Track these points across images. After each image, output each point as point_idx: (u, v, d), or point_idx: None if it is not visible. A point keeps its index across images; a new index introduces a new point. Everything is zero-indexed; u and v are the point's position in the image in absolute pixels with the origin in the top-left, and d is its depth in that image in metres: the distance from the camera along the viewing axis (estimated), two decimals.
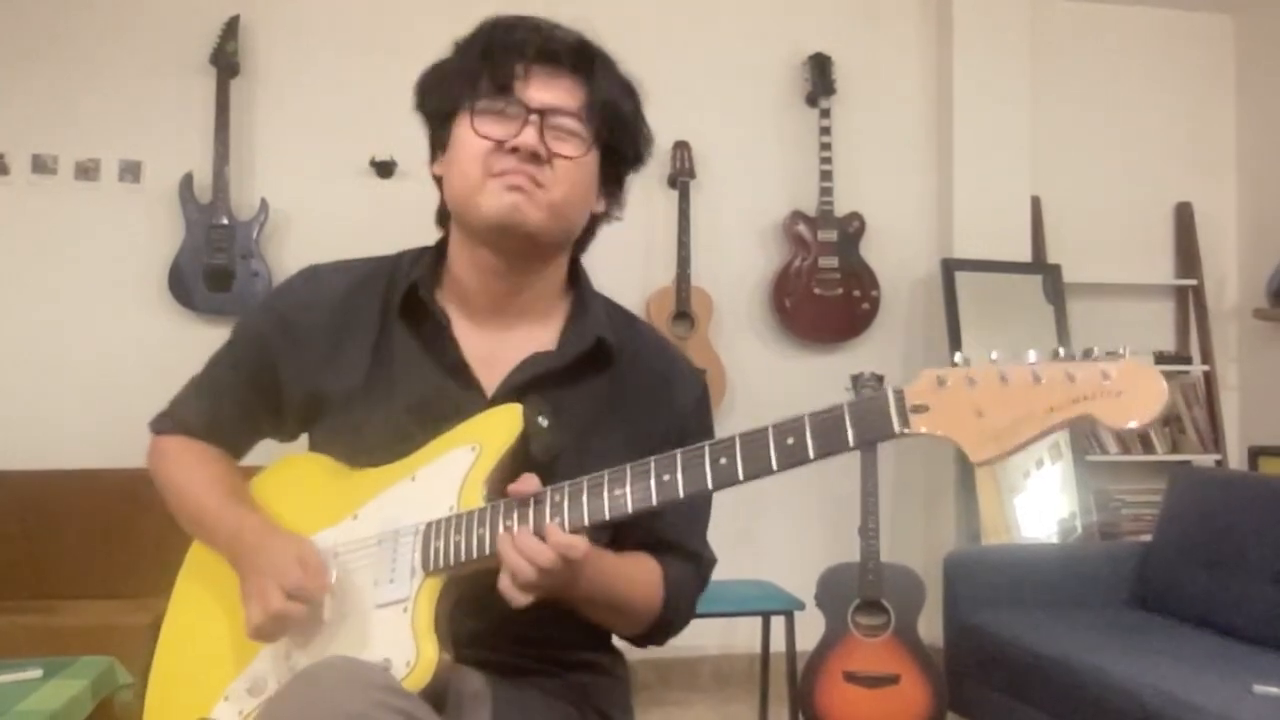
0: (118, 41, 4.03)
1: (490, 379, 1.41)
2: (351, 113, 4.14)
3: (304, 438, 1.54)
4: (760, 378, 4.32)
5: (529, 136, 1.34)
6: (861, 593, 3.48)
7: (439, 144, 1.46)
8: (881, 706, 3.40)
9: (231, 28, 4.00)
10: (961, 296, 4.26)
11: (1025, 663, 3.13)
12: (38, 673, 2.28)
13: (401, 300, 1.44)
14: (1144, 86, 4.82)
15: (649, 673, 4.13)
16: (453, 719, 1.22)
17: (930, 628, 3.62)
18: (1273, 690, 2.56)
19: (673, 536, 1.46)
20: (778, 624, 3.53)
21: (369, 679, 1.13)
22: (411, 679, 1.20)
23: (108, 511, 3.58)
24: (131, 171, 4.02)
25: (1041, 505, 4.17)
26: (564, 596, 1.31)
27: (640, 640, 1.49)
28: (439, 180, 1.48)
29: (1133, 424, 1.06)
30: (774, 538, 4.28)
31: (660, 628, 1.46)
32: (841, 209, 4.37)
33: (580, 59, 1.39)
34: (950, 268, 4.32)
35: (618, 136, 1.43)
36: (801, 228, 4.37)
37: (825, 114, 4.36)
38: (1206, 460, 4.60)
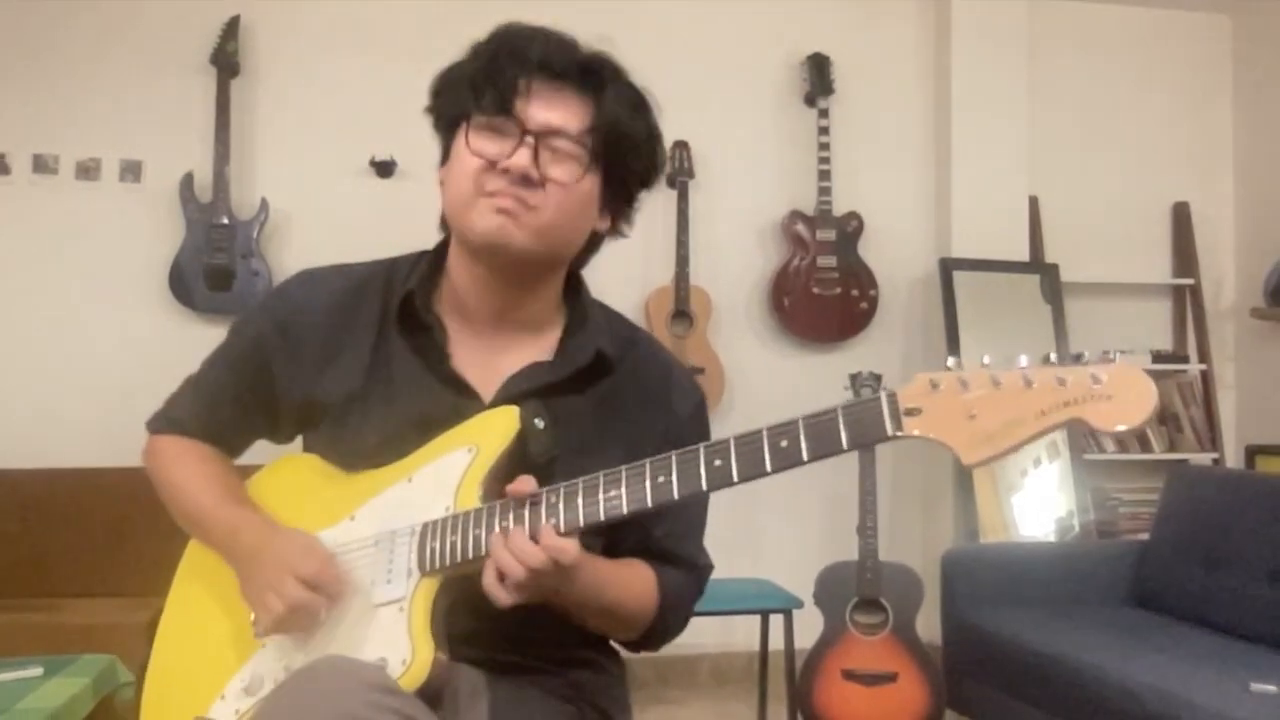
0: (118, 42, 4.04)
1: (487, 388, 1.41)
2: (351, 113, 4.15)
3: (300, 438, 1.55)
4: (759, 377, 4.33)
5: (521, 158, 1.32)
6: (860, 591, 3.49)
7: (447, 150, 1.44)
8: (880, 704, 3.40)
9: (232, 28, 4.01)
10: (959, 296, 4.27)
11: (1023, 661, 3.12)
12: (38, 671, 2.28)
13: (398, 309, 1.44)
14: (1141, 86, 4.83)
15: (648, 671, 4.13)
16: (449, 717, 1.22)
17: (928, 626, 3.62)
18: (1270, 688, 2.56)
19: (669, 545, 1.47)
20: (776, 622, 3.53)
21: (365, 678, 1.14)
22: (407, 678, 1.21)
23: (108, 510, 3.58)
24: (132, 171, 4.03)
25: (1039, 504, 4.17)
26: (556, 601, 1.31)
27: (635, 646, 1.50)
28: (443, 184, 1.46)
29: (1122, 427, 1.07)
30: (773, 537, 4.29)
31: (655, 634, 1.47)
32: (840, 208, 4.38)
33: (589, 76, 1.37)
34: (948, 267, 4.33)
35: (624, 156, 1.40)
36: (800, 227, 4.37)
37: (824, 114, 4.37)
38: (1204, 459, 4.60)
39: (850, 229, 4.39)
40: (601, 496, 1.24)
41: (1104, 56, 4.80)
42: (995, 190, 4.47)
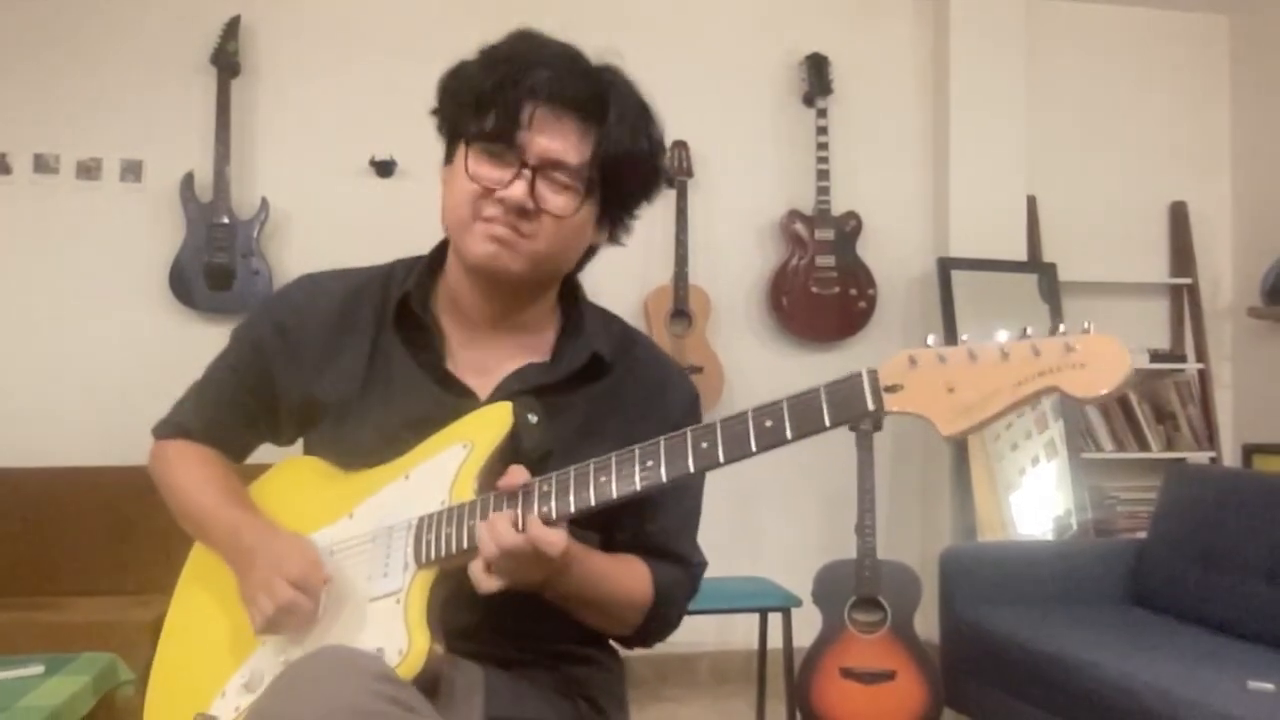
0: (119, 42, 4.05)
1: (483, 389, 1.43)
2: (351, 113, 4.16)
3: (301, 442, 1.56)
4: (757, 376, 4.33)
5: (517, 190, 1.32)
6: (858, 589, 3.49)
7: (450, 152, 1.44)
8: (878, 702, 3.40)
9: (232, 28, 4.02)
10: (958, 295, 4.28)
11: (1021, 659, 3.13)
12: (40, 669, 2.30)
13: (395, 312, 1.45)
14: (1139, 86, 4.83)
15: (646, 669, 4.14)
16: (445, 709, 1.23)
17: (926, 624, 3.63)
18: (1267, 686, 2.57)
19: (662, 541, 1.47)
20: (775, 620, 3.54)
21: (362, 667, 1.14)
22: (404, 668, 1.22)
23: (109, 509, 3.60)
24: (133, 171, 4.04)
25: (1037, 502, 4.17)
26: (550, 593, 1.33)
27: (629, 642, 1.50)
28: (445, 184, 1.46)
29: (1102, 391, 1.08)
30: (771, 535, 4.30)
31: (649, 630, 1.47)
32: (838, 208, 4.38)
33: (594, 102, 1.35)
34: (946, 266, 4.34)
35: (625, 179, 1.40)
36: (799, 227, 4.38)
37: (822, 114, 4.37)
38: (1201, 458, 4.61)
39: (849, 228, 4.40)
40: (592, 483, 1.25)
41: (1102, 56, 4.81)
42: (993, 190, 4.48)
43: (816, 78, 4.40)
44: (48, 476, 3.71)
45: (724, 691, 4.18)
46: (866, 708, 3.40)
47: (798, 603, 3.53)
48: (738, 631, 4.17)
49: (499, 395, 1.41)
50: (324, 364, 1.47)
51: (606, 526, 1.41)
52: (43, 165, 3.98)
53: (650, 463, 1.24)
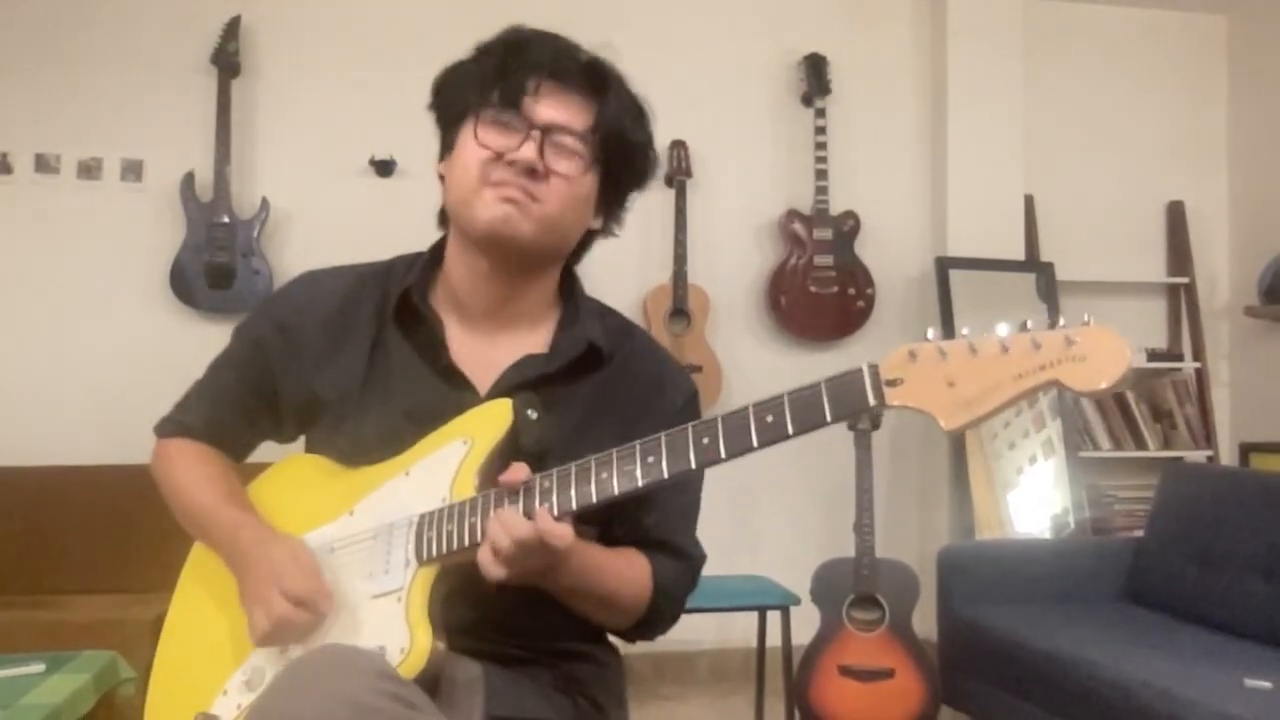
0: (120, 42, 4.06)
1: (483, 381, 1.43)
2: (351, 113, 4.17)
3: (302, 439, 1.57)
4: (756, 375, 4.34)
5: (528, 151, 1.36)
6: (856, 588, 3.49)
7: (447, 144, 1.47)
8: (876, 700, 3.40)
9: (232, 28, 4.02)
10: (955, 294, 4.28)
11: (1018, 657, 3.14)
12: (40, 667, 2.29)
13: (396, 306, 1.46)
14: (1136, 86, 4.84)
15: (646, 666, 4.15)
16: (446, 706, 1.23)
17: (924, 622, 3.63)
18: (1263, 684, 2.57)
19: (661, 534, 1.48)
20: (773, 619, 3.55)
21: (363, 665, 1.15)
22: (405, 665, 1.22)
23: (111, 507, 3.60)
24: (133, 170, 4.05)
25: (1035, 501, 4.18)
26: (550, 587, 1.34)
27: (628, 635, 1.51)
28: (443, 179, 1.49)
29: (1103, 384, 1.08)
30: (770, 534, 4.30)
31: (648, 623, 1.48)
32: (837, 207, 4.39)
33: (594, 80, 1.41)
34: (944, 266, 4.35)
35: (622, 159, 1.45)
36: (797, 226, 4.39)
37: (820, 114, 4.38)
38: (1198, 456, 4.62)
39: (847, 228, 4.41)
40: (593, 479, 1.26)
41: (1099, 56, 4.81)
42: (991, 189, 4.49)
43: (815, 78, 4.40)
44: (49, 475, 3.72)
45: (723, 689, 4.18)
46: (865, 705, 3.41)
47: (796, 601, 3.53)
48: (736, 629, 4.17)
49: (499, 388, 1.42)
50: (325, 361, 1.48)
51: (605, 520, 1.42)
52: (44, 165, 3.99)
53: (652, 459, 1.24)
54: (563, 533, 1.24)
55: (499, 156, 1.37)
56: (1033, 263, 4.53)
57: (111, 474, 3.58)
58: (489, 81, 1.39)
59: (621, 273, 4.15)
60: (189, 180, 3.98)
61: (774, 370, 4.37)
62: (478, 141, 1.38)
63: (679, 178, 4.27)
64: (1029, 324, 1.13)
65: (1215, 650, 2.96)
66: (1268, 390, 4.63)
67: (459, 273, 1.47)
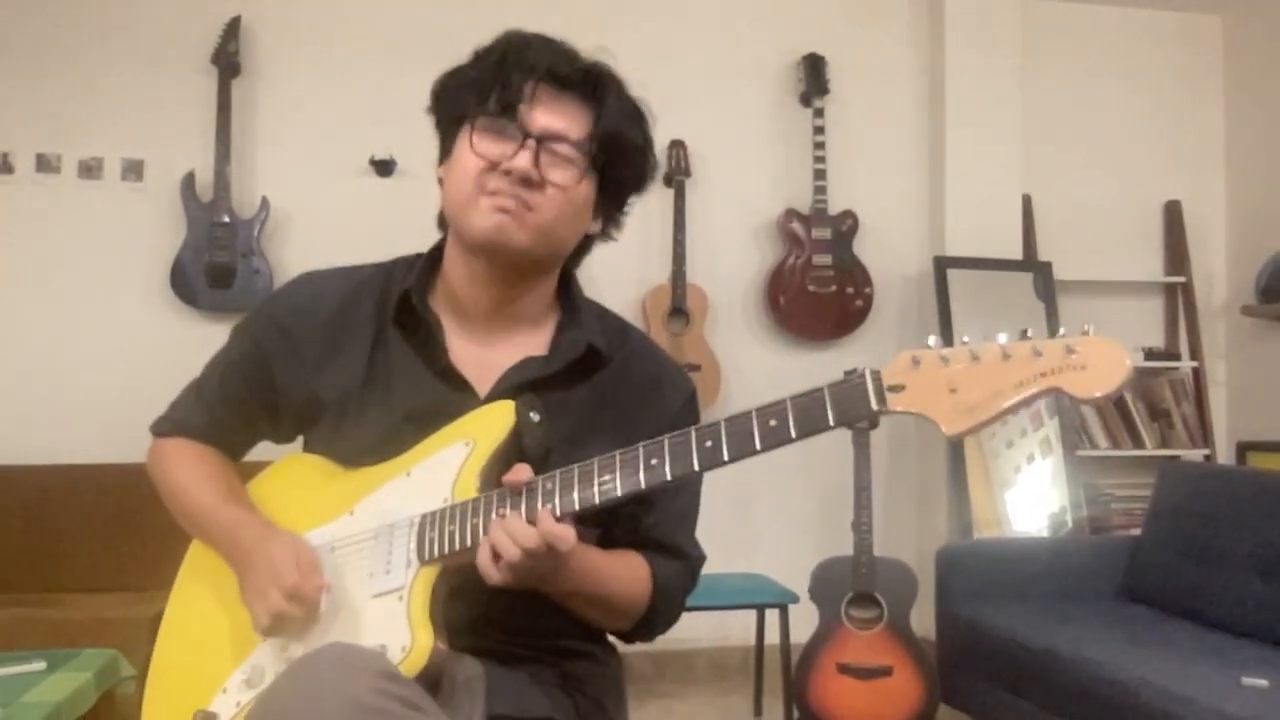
0: (120, 42, 4.06)
1: (483, 383, 1.44)
2: (351, 112, 4.17)
3: (301, 439, 1.57)
4: (755, 374, 4.35)
5: (522, 160, 1.35)
6: (855, 586, 3.49)
7: (446, 149, 1.47)
8: (874, 698, 3.40)
9: (233, 28, 4.03)
10: (953, 293, 4.29)
11: (1016, 655, 3.14)
12: (41, 665, 2.29)
13: (395, 307, 1.47)
14: (1133, 86, 4.85)
15: (645, 664, 4.16)
16: (447, 704, 1.24)
17: (922, 620, 3.64)
18: (1260, 682, 2.57)
19: (661, 535, 1.48)
20: (772, 617, 3.56)
21: (365, 664, 1.15)
22: (406, 664, 1.22)
23: (111, 506, 3.61)
24: (134, 170, 4.05)
25: (1032, 500, 4.18)
26: (550, 589, 1.34)
27: (628, 636, 1.51)
28: (442, 183, 1.48)
29: (1097, 394, 1.10)
30: (768, 532, 4.31)
31: (647, 625, 1.49)
32: (835, 207, 4.40)
33: (591, 85, 1.40)
34: (942, 265, 4.35)
35: (620, 163, 1.44)
36: (796, 225, 4.40)
37: (819, 113, 4.39)
38: (1195, 455, 4.62)
39: (845, 227, 4.41)
40: (596, 481, 1.26)
41: (1096, 56, 4.82)
42: (989, 189, 4.50)
43: (813, 78, 4.41)
44: (50, 474, 3.73)
45: (721, 687, 4.19)
46: (863, 703, 3.41)
47: (795, 599, 3.54)
48: (735, 628, 4.18)
49: (498, 389, 1.43)
50: (324, 362, 1.48)
51: (605, 521, 1.42)
52: (45, 165, 3.99)
53: (654, 461, 1.25)
54: (567, 535, 1.24)
55: (494, 165, 1.37)
56: (1030, 262, 4.54)
57: (112, 473, 3.59)
58: (485, 87, 1.38)
59: (620, 272, 4.16)
60: (189, 180, 3.99)
61: (773, 370, 4.38)
62: (473, 150, 1.38)
63: (678, 177, 4.28)
64: (1030, 332, 1.15)
65: (1212, 648, 2.96)
66: (1264, 389, 4.64)
67: (458, 275, 1.47)
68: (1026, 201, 4.61)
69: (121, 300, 4.02)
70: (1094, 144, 4.79)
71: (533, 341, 1.49)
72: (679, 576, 1.51)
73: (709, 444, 1.23)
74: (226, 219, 3.97)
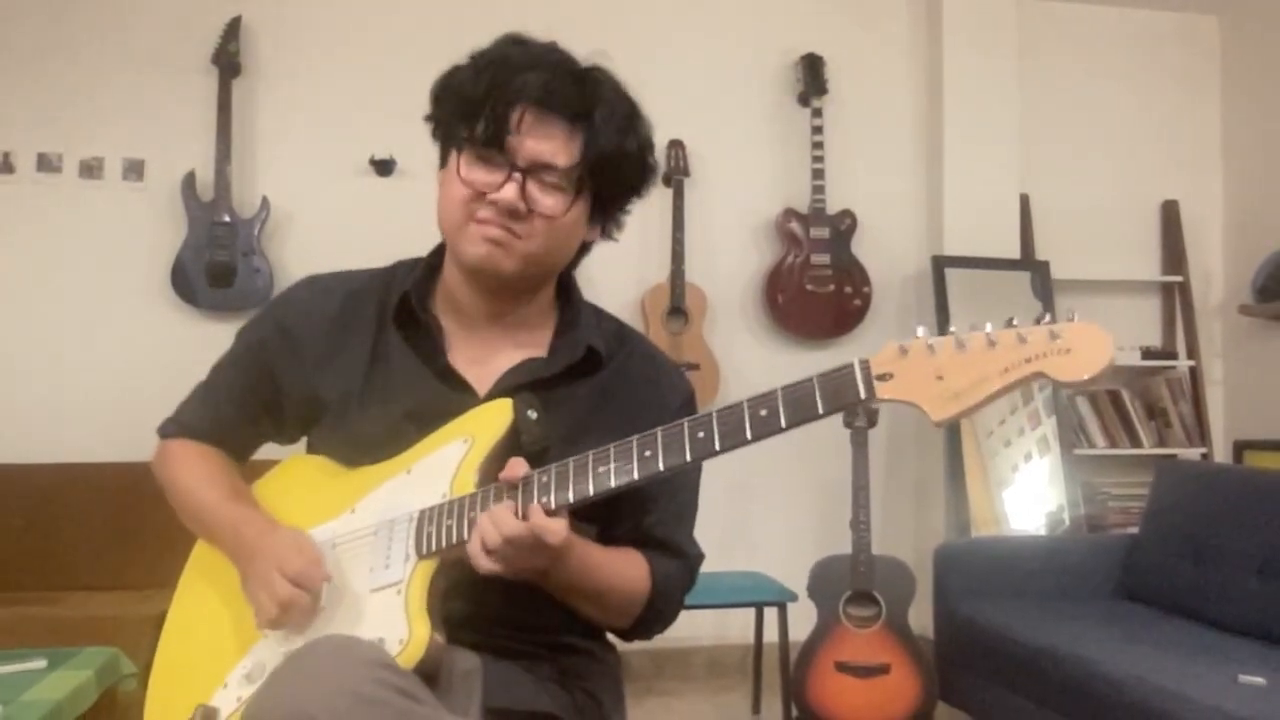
0: (121, 42, 4.07)
1: (482, 384, 1.45)
2: (351, 112, 4.18)
3: (305, 440, 1.59)
4: (753, 373, 4.35)
5: (509, 192, 1.36)
6: (853, 584, 3.49)
7: (444, 157, 1.47)
8: (872, 696, 3.40)
9: (233, 28, 4.04)
10: (951, 293, 4.30)
11: (1013, 653, 3.14)
12: (42, 663, 2.28)
13: (395, 309, 1.48)
14: (1130, 86, 4.86)
15: (643, 662, 4.17)
16: (444, 696, 1.25)
17: (921, 618, 3.65)
18: (1257, 680, 2.57)
19: (659, 533, 1.49)
20: (770, 615, 3.57)
21: (363, 655, 1.16)
22: (404, 656, 1.23)
23: (112, 504, 3.61)
24: (135, 170, 4.06)
25: (1030, 498, 4.19)
26: (550, 584, 1.35)
27: (626, 634, 1.52)
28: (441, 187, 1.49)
29: (1085, 376, 1.12)
30: (766, 530, 4.32)
31: (646, 622, 1.49)
32: (833, 207, 4.41)
33: (582, 101, 1.38)
34: (940, 264, 4.36)
35: (614, 177, 1.43)
36: (794, 225, 4.41)
37: (817, 113, 4.40)
38: (1192, 454, 4.63)
39: (844, 227, 4.42)
40: (591, 473, 1.28)
41: (1094, 56, 4.83)
42: (987, 188, 4.50)
43: (812, 77, 4.42)
44: (51, 472, 3.73)
45: (720, 685, 4.20)
46: (861, 701, 3.41)
47: (793, 597, 3.55)
48: (733, 626, 4.19)
49: (497, 390, 1.44)
50: (326, 362, 1.49)
51: (604, 520, 1.43)
52: (45, 164, 4.00)
53: (648, 452, 1.26)
54: (556, 528, 1.25)
55: (482, 195, 1.37)
56: (1028, 261, 4.54)
57: (113, 471, 3.60)
58: (474, 113, 1.37)
59: (619, 271, 4.17)
60: (190, 179, 3.99)
61: (771, 369, 4.37)
62: (461, 179, 1.38)
63: (676, 177, 4.29)
64: (1015, 320, 1.16)
65: (1209, 646, 2.96)
66: (1261, 388, 4.65)
67: (456, 281, 1.49)
68: (1024, 201, 4.62)
69: (122, 299, 4.03)
70: (1092, 144, 4.80)
71: (533, 344, 1.50)
72: (678, 575, 1.51)
73: (701, 435, 1.24)
74: (227, 218, 3.98)
